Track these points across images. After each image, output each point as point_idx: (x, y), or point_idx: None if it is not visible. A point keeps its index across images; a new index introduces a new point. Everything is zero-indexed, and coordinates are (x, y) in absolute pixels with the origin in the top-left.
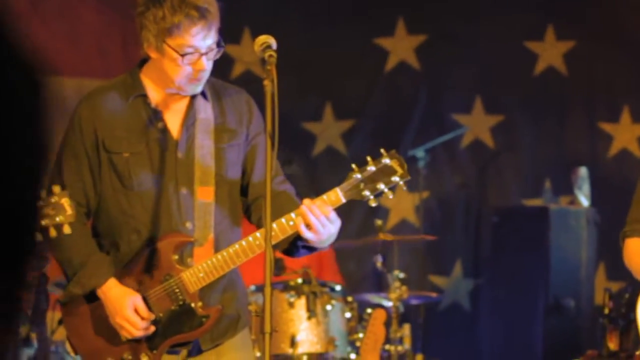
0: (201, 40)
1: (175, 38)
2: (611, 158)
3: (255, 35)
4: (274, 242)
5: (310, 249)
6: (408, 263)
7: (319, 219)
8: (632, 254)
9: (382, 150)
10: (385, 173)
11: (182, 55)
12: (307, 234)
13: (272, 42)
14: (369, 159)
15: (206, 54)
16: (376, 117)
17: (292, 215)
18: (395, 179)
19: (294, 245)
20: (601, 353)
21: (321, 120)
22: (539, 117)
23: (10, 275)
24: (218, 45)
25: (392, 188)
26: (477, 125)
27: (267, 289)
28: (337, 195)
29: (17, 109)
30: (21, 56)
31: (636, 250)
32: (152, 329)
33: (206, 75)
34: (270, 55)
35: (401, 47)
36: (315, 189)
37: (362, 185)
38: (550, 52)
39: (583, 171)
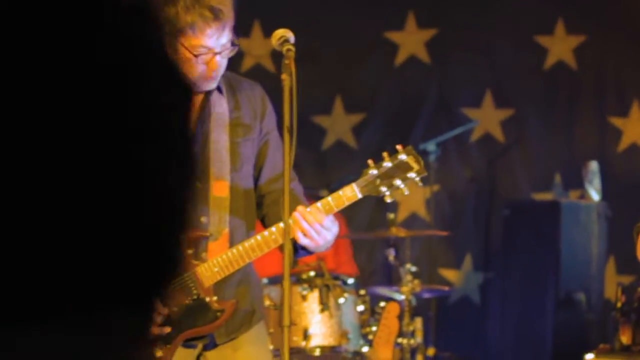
0: (215, 40)
1: (189, 38)
2: (621, 152)
3: (265, 28)
4: (274, 246)
5: (308, 250)
6: (418, 256)
7: (313, 226)
8: None
9: (398, 146)
10: (401, 169)
11: (196, 56)
12: (302, 240)
13: (290, 35)
14: (385, 154)
15: (220, 53)
16: (386, 111)
17: (290, 221)
18: (412, 175)
19: (293, 246)
20: (613, 347)
21: (331, 114)
22: (548, 111)
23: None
24: (232, 43)
25: (409, 184)
26: (487, 119)
27: (286, 283)
28: (354, 191)
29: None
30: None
31: None
32: (168, 329)
33: (221, 72)
34: (289, 50)
35: (411, 41)
36: (324, 183)
37: (378, 181)
38: (560, 47)
39: (594, 165)
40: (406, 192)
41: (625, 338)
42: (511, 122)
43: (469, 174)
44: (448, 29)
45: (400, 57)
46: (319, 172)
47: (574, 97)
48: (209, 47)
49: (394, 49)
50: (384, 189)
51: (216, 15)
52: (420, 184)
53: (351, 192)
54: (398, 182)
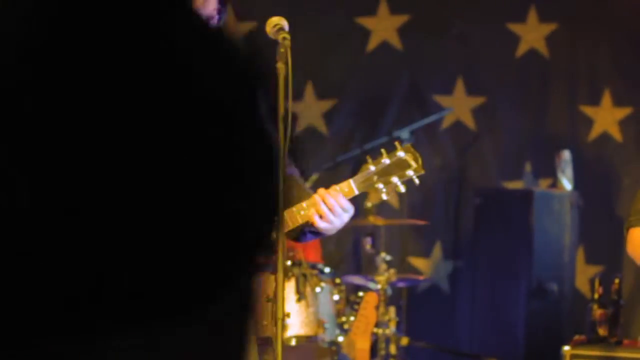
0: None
1: None
2: (591, 141)
3: (238, 13)
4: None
5: (317, 233)
6: (390, 245)
7: (333, 209)
8: (636, 243)
9: (396, 144)
10: (399, 166)
11: None
12: (320, 223)
13: (285, 24)
14: (383, 151)
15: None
16: (357, 97)
17: (304, 204)
18: (410, 172)
19: (301, 230)
20: (589, 338)
21: (302, 100)
22: (520, 100)
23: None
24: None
25: (406, 182)
26: (458, 106)
27: (280, 275)
28: (351, 186)
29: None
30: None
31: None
32: None
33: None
34: (285, 38)
35: (383, 27)
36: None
37: (375, 178)
38: (533, 35)
39: (567, 154)
40: (402, 190)
41: (602, 330)
42: (482, 110)
43: (439, 162)
44: (420, 15)
45: (372, 43)
46: (289, 157)
47: (546, 86)
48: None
49: (366, 34)
50: (380, 186)
51: None
52: (417, 182)
53: (348, 188)
54: (395, 179)
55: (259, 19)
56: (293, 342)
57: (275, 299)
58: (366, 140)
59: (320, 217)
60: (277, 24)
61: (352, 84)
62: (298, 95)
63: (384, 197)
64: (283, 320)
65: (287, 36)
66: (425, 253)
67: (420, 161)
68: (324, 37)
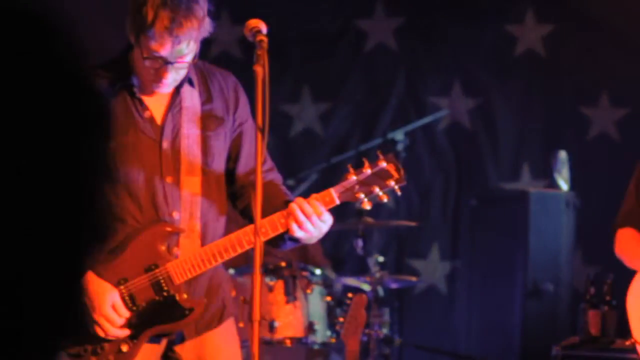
0: (169, 50)
1: (147, 38)
2: (589, 142)
3: (233, 16)
4: (264, 239)
5: (296, 241)
6: (386, 246)
7: (310, 218)
8: (624, 243)
9: (378, 153)
10: (381, 177)
11: (144, 59)
12: (297, 232)
13: (263, 26)
14: (365, 161)
15: (172, 63)
16: (354, 99)
17: (284, 213)
18: (391, 183)
19: (280, 237)
20: (582, 339)
21: (298, 102)
22: (517, 100)
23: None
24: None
25: (387, 192)
26: (455, 108)
27: (256, 277)
28: (332, 196)
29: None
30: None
31: (629, 238)
32: (127, 332)
33: (172, 80)
34: (261, 40)
35: (380, 29)
36: (291, 171)
37: (357, 188)
38: (530, 35)
39: (563, 155)
40: (385, 200)
41: (594, 329)
42: (479, 110)
43: (436, 164)
44: (416, 17)
45: (369, 45)
46: (286, 160)
47: (543, 86)
48: (161, 55)
49: (362, 36)
50: (362, 196)
51: (175, 27)
52: (399, 193)
53: (329, 198)
54: (377, 189)
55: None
56: (284, 344)
57: (252, 301)
58: (363, 142)
59: (299, 226)
60: (254, 27)
61: (349, 85)
62: (295, 98)
63: (366, 207)
64: (260, 323)
65: (264, 38)
66: (423, 254)
67: (402, 172)
68: (321, 40)
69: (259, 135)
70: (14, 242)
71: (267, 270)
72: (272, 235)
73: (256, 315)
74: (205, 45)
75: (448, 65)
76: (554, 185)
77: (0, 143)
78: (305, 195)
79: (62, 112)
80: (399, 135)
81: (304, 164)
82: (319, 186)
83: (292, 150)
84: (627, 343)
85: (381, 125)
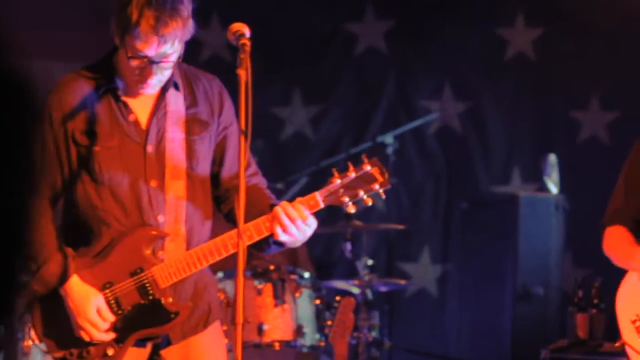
0: (154, 49)
1: (131, 38)
2: (579, 145)
3: (223, 19)
4: (249, 242)
5: (281, 245)
6: (376, 249)
7: (295, 222)
8: (612, 241)
9: (363, 157)
10: (365, 180)
11: (129, 58)
12: (282, 236)
13: (246, 30)
14: (349, 164)
15: (157, 63)
16: (344, 102)
17: (269, 216)
18: (376, 187)
19: (265, 241)
20: (570, 341)
21: (289, 105)
22: (507, 104)
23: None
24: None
25: (372, 195)
26: (445, 111)
27: (240, 280)
28: (316, 200)
29: None
30: None
31: (617, 237)
32: (113, 335)
33: (157, 81)
34: (244, 44)
35: (370, 32)
36: (282, 174)
37: (341, 191)
38: (520, 39)
39: (552, 158)
40: (369, 204)
41: (582, 332)
42: (470, 114)
43: (427, 167)
44: (407, 20)
45: (359, 49)
46: (277, 163)
47: (534, 90)
48: (146, 54)
49: (352, 40)
50: (346, 199)
51: (160, 26)
52: (383, 196)
53: (314, 201)
54: (361, 193)
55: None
56: (272, 347)
57: (234, 304)
58: (353, 145)
59: (283, 230)
60: (237, 30)
61: (339, 89)
62: (285, 101)
63: (351, 210)
64: (243, 326)
65: (247, 42)
66: (414, 257)
67: (386, 175)
68: (312, 43)
69: (243, 139)
70: None
71: (255, 274)
72: (256, 238)
73: (239, 318)
74: (196, 49)
75: (438, 68)
76: (544, 188)
77: None
78: (297, 198)
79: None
80: (388, 138)
81: (295, 167)
82: (309, 190)
83: (282, 153)
84: (617, 345)
85: (372, 128)
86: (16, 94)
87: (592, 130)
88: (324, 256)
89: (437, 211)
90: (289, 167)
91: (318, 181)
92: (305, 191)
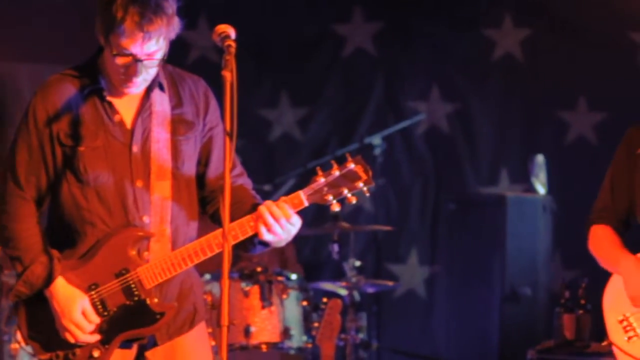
0: (139, 47)
1: (116, 36)
2: (567, 146)
3: (211, 20)
4: (234, 242)
5: (267, 244)
6: (363, 251)
7: (279, 221)
8: (598, 241)
9: (347, 155)
10: (349, 179)
11: (114, 56)
12: (266, 235)
13: (231, 31)
14: (333, 163)
15: (142, 60)
16: (332, 104)
17: (253, 216)
18: (360, 184)
19: (250, 241)
20: (557, 342)
21: (277, 107)
22: (495, 105)
23: None
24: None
25: (356, 194)
26: (433, 112)
27: (225, 281)
28: (300, 198)
29: None
30: None
31: (602, 237)
32: (98, 337)
33: (142, 79)
34: (229, 45)
35: (358, 33)
36: (270, 175)
37: (325, 190)
38: (508, 40)
39: (540, 159)
40: (353, 202)
41: (569, 333)
42: (457, 115)
43: (414, 168)
44: (395, 22)
45: (347, 50)
46: (265, 165)
47: (521, 90)
48: (131, 52)
49: (341, 41)
50: (330, 197)
51: (145, 22)
52: (367, 194)
53: (298, 200)
54: (345, 191)
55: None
56: (259, 349)
57: (219, 306)
58: (341, 147)
59: (267, 229)
60: (222, 32)
61: (327, 90)
62: (273, 103)
63: (335, 208)
64: (228, 328)
65: (233, 44)
66: (402, 259)
67: (370, 173)
68: (300, 44)
69: (227, 140)
70: None
71: (243, 276)
72: (241, 238)
73: (224, 320)
74: (184, 50)
75: (426, 69)
76: (531, 189)
77: None
78: (279, 198)
79: None
80: (376, 139)
81: (283, 169)
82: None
83: (270, 155)
84: (604, 344)
85: (360, 129)
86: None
87: (580, 131)
88: (311, 258)
89: (424, 212)
90: (276, 168)
91: (306, 182)
92: (293, 192)
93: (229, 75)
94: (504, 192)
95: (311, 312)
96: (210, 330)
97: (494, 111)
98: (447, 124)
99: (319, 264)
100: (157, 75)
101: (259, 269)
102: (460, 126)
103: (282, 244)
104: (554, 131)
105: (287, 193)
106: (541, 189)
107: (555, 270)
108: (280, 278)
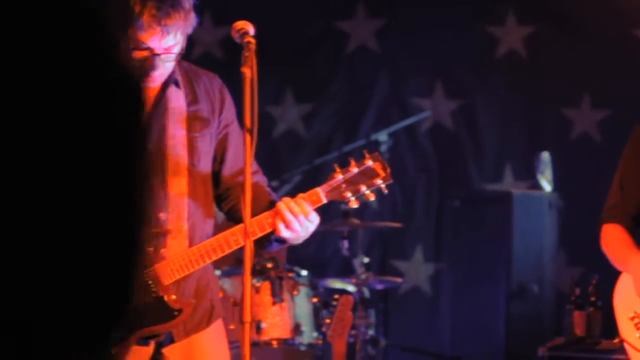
0: (157, 41)
1: (134, 30)
2: (571, 143)
3: (214, 17)
4: (237, 246)
5: (283, 242)
6: (369, 247)
7: (297, 218)
8: (609, 240)
9: (365, 152)
10: (367, 175)
11: (132, 49)
12: (284, 232)
13: (250, 28)
14: (351, 160)
15: (159, 54)
16: (336, 101)
17: (271, 212)
18: (378, 181)
19: (267, 238)
20: (568, 340)
21: (281, 103)
22: (499, 101)
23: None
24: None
25: (374, 190)
26: (437, 108)
27: (247, 279)
28: (319, 195)
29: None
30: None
31: (613, 236)
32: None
33: (157, 76)
34: (249, 42)
35: (361, 30)
36: (275, 172)
37: (343, 187)
38: (511, 36)
39: (546, 156)
40: (372, 199)
41: (579, 330)
42: (462, 112)
43: (419, 165)
44: (398, 18)
45: (350, 47)
46: (269, 161)
47: (525, 87)
48: (149, 45)
49: (344, 38)
50: (349, 194)
51: (163, 16)
52: (385, 191)
53: (316, 197)
54: (364, 188)
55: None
56: (269, 346)
57: (242, 303)
58: (345, 143)
59: (285, 226)
60: (241, 28)
61: (331, 87)
62: (277, 99)
63: (353, 205)
64: (251, 323)
65: (252, 40)
66: (407, 255)
67: (388, 170)
68: (303, 41)
69: (248, 137)
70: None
71: (253, 272)
72: (259, 234)
73: (247, 317)
74: (187, 46)
75: (430, 66)
76: (537, 186)
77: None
78: (289, 196)
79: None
80: (382, 136)
81: (287, 164)
82: (302, 188)
83: (275, 151)
84: (615, 341)
85: (364, 126)
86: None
87: (584, 128)
88: (316, 254)
89: (429, 209)
90: (280, 165)
91: (311, 179)
92: (298, 189)
93: (249, 72)
94: (508, 188)
95: (321, 308)
96: (232, 327)
97: (497, 108)
98: (451, 120)
99: (324, 260)
100: (173, 72)
101: (269, 265)
102: (464, 123)
103: (299, 241)
104: (558, 128)
105: (293, 189)
106: (547, 186)
107: (559, 267)
108: (290, 274)
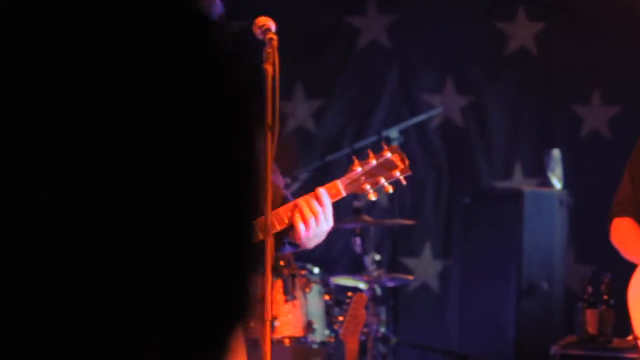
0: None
1: None
2: (581, 140)
3: (225, 14)
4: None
5: (296, 245)
6: (378, 244)
7: (315, 212)
8: (620, 233)
9: (383, 144)
10: (386, 167)
11: None
12: (301, 227)
13: (272, 24)
14: (370, 152)
15: None
16: (347, 97)
17: (289, 206)
18: (397, 173)
19: (280, 240)
20: (580, 338)
21: (291, 99)
22: (509, 98)
23: None
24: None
25: (393, 182)
26: (447, 105)
27: (268, 276)
28: (338, 188)
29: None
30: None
31: (625, 230)
32: None
33: None
34: (271, 38)
35: (372, 26)
36: (284, 169)
37: (362, 179)
38: (522, 33)
39: (556, 153)
40: (390, 191)
41: (591, 328)
42: (472, 108)
43: (429, 162)
44: (409, 14)
45: (361, 43)
46: (279, 157)
47: (535, 84)
48: None
49: (355, 34)
50: (367, 187)
51: None
52: (404, 183)
53: (335, 190)
54: (382, 180)
55: (248, 18)
56: (283, 343)
57: (264, 301)
58: (355, 139)
59: (302, 220)
60: (263, 25)
61: (341, 83)
62: (287, 95)
63: (372, 198)
64: (271, 321)
65: (274, 37)
66: (416, 252)
67: (407, 162)
68: (313, 36)
69: (269, 134)
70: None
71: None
72: (278, 228)
73: (268, 315)
74: None
75: (440, 62)
76: (547, 183)
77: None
78: (299, 193)
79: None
80: (393, 132)
81: (297, 161)
82: (313, 184)
83: (285, 147)
84: (629, 339)
85: (374, 122)
86: None
87: (594, 125)
88: (325, 252)
89: (439, 206)
90: (290, 161)
91: (321, 175)
92: (308, 186)
93: (271, 69)
94: (518, 186)
95: (333, 306)
96: (252, 324)
97: (507, 105)
98: (461, 117)
99: (333, 258)
100: None
101: (282, 263)
102: (474, 120)
103: (312, 244)
104: (568, 125)
105: (303, 185)
106: (557, 184)
107: (569, 265)
108: (303, 272)
